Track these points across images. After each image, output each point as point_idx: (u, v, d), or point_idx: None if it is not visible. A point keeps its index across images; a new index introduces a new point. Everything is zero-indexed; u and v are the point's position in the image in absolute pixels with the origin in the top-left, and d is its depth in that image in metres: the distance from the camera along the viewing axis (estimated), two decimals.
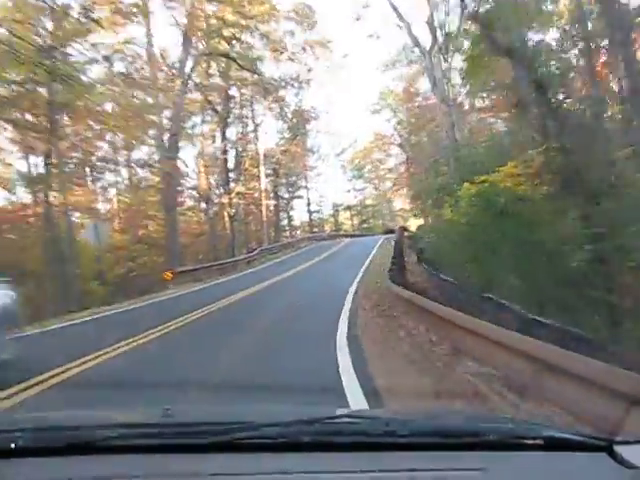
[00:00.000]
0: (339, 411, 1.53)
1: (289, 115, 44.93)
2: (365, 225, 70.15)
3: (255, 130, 37.85)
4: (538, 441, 1.16)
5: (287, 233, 55.89)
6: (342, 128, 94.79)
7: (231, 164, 40.34)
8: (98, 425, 1.27)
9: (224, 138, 34.06)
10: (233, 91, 36.99)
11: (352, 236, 54.45)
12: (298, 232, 60.02)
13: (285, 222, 61.29)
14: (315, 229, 64.56)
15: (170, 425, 1.25)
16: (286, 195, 59.42)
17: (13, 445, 1.13)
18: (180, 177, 25.87)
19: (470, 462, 1.08)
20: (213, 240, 32.51)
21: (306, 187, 62.91)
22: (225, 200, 34.13)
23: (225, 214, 35.05)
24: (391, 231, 66.16)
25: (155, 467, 1.09)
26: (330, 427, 1.22)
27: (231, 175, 37.31)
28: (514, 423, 1.41)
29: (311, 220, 63.24)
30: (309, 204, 63.16)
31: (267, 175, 49.81)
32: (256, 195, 40.80)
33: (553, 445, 1.16)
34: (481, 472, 1.02)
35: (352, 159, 68.94)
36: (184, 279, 18.96)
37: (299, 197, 62.77)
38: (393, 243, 26.31)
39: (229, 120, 35.02)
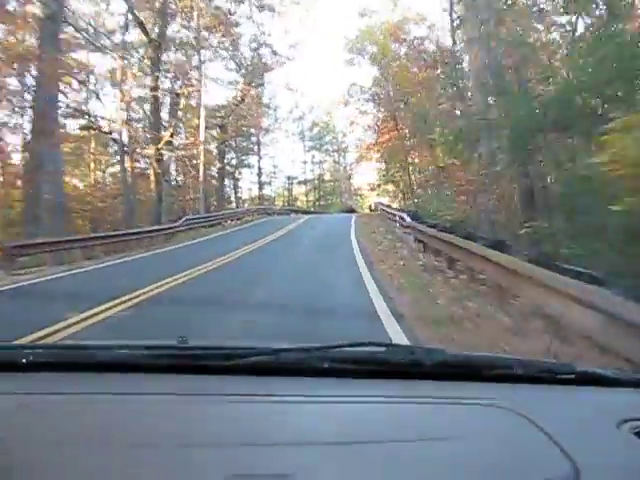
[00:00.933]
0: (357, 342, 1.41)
1: (244, 56, 36.27)
2: (322, 202, 62.43)
3: (199, 67, 29.24)
4: (570, 376, 1.12)
5: (233, 205, 47.55)
6: (306, 87, 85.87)
7: (166, 112, 31.79)
8: (109, 346, 1.23)
9: (156, 70, 25.23)
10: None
11: (308, 212, 46.81)
12: (246, 205, 51.73)
13: (231, 191, 52.83)
14: (265, 202, 56.39)
15: (183, 348, 1.20)
16: (234, 161, 50.88)
17: (24, 360, 1.12)
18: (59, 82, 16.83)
19: (500, 393, 1.04)
20: (130, 203, 23.93)
21: (258, 154, 54.42)
22: (151, 151, 25.47)
23: (152, 171, 26.38)
24: (351, 210, 59.62)
25: (165, 386, 1.04)
26: (351, 354, 1.15)
27: (165, 124, 28.92)
28: (545, 361, 1.36)
29: (261, 192, 54.92)
30: (260, 174, 54.77)
31: (211, 130, 41.25)
32: (195, 152, 32.15)
33: (586, 381, 1.13)
34: (513, 402, 0.97)
35: (312, 126, 60.84)
36: (34, 259, 10.68)
37: (248, 166, 54.27)
38: (380, 230, 19.04)
39: (164, 47, 26.15)
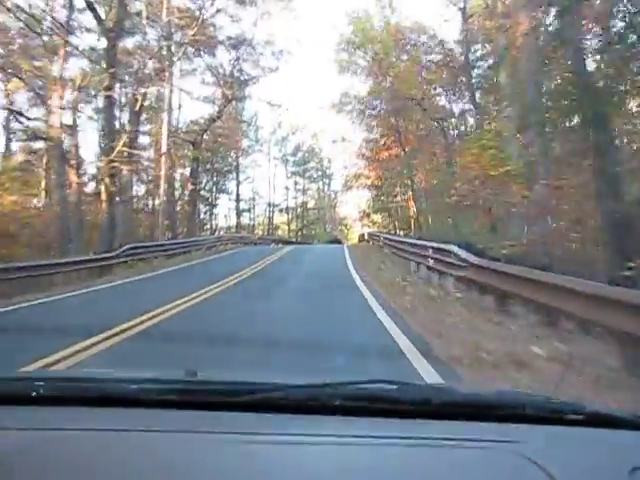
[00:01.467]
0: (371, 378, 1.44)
1: (222, 65, 31.87)
2: (305, 232, 57.64)
3: (166, 65, 24.64)
4: (581, 417, 1.09)
5: (207, 233, 42.62)
6: (290, 105, 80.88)
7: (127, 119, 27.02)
8: (119, 379, 1.27)
9: (110, 65, 20.42)
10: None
11: (290, 243, 42.00)
12: (222, 232, 46.83)
13: (207, 218, 47.90)
14: (243, 231, 51.49)
15: (194, 382, 1.22)
16: (210, 184, 46.08)
17: (34, 393, 1.13)
18: None
19: (507, 434, 1.02)
20: (67, 226, 18.87)
21: (236, 178, 49.69)
22: (101, 164, 20.52)
23: (103, 188, 21.38)
24: (337, 241, 55.01)
25: (175, 423, 1.04)
26: (361, 392, 1.15)
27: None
28: (554, 399, 1.25)
29: (239, 219, 49.99)
30: (238, 199, 49.93)
31: (181, 149, 36.52)
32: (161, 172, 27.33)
33: (598, 422, 1.09)
34: (519, 444, 0.96)
35: (296, 149, 56.46)
36: None
37: (226, 192, 49.47)
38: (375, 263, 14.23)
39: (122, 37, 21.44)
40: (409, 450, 0.96)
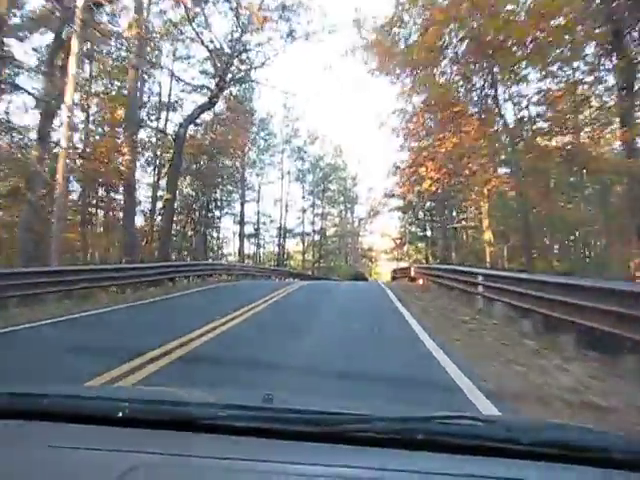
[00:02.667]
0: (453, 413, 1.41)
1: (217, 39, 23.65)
2: (322, 264, 48.43)
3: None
4: None
5: (208, 258, 33.99)
6: (308, 110, 71.49)
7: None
8: (201, 403, 1.28)
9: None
10: None
11: (303, 277, 32.89)
12: (227, 259, 38.10)
13: (211, 242, 39.22)
14: (248, 260, 42.58)
15: (278, 410, 1.19)
16: (209, 203, 37.54)
17: (120, 414, 1.14)
18: None
19: (595, 478, 1.00)
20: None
21: (241, 192, 41.01)
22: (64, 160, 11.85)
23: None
24: (362, 277, 45.74)
25: (258, 451, 1.05)
26: (447, 427, 1.13)
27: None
28: None
29: (242, 244, 41.08)
30: (242, 220, 41.14)
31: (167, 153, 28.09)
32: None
33: None
34: None
35: (316, 162, 47.78)
36: None
37: (232, 214, 40.83)
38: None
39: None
40: None
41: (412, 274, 19.04)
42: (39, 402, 1.21)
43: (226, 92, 26.87)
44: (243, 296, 12.46)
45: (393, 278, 31.08)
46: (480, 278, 9.53)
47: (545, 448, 1.05)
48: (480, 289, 9.48)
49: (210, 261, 29.18)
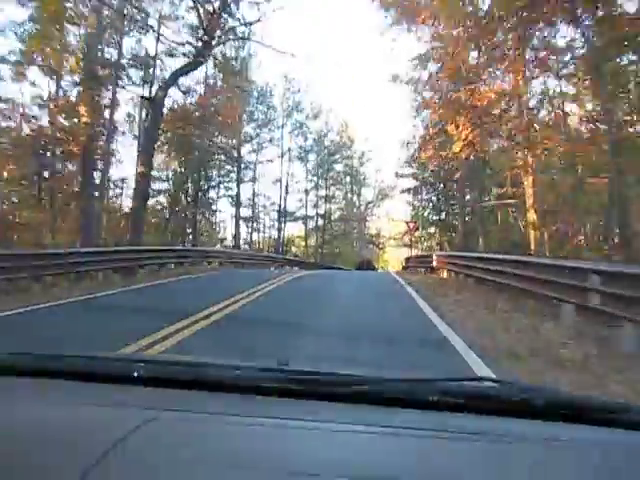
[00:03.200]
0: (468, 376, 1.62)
1: None
2: (326, 250, 44.80)
3: None
4: None
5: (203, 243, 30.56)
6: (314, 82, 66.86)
7: None
8: (218, 365, 1.28)
9: None
10: None
11: (303, 265, 29.45)
12: (218, 246, 34.62)
13: (203, 224, 35.74)
14: (245, 246, 39.08)
15: (291, 372, 1.20)
16: (199, 182, 33.97)
17: (135, 374, 1.16)
18: None
19: (609, 439, 1.00)
20: None
21: (237, 171, 37.37)
22: None
23: None
24: (369, 265, 42.21)
25: (271, 410, 1.04)
26: (461, 387, 1.15)
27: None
28: None
29: (237, 227, 37.46)
30: (238, 201, 37.54)
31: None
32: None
33: None
34: (623, 449, 0.95)
35: (320, 140, 43.95)
36: None
37: (225, 194, 37.25)
38: None
39: None
40: (505, 447, 0.95)
41: (434, 264, 15.36)
42: (59, 362, 1.26)
43: (216, 52, 23.18)
44: (186, 301, 8.85)
45: (404, 267, 27.54)
46: (595, 280, 5.81)
47: (559, 409, 1.06)
48: (596, 300, 5.75)
49: (189, 246, 25.62)
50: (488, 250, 17.94)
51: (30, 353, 1.29)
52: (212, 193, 37.34)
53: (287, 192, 41.28)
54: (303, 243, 45.03)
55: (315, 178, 44.89)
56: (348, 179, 52.45)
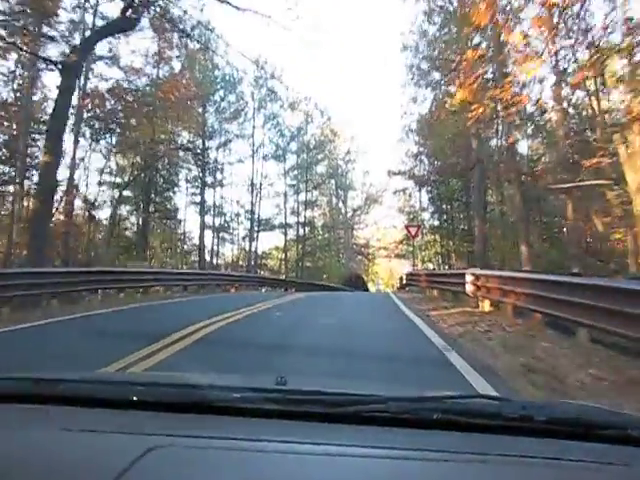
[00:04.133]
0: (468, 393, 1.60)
1: None
2: (308, 263, 38.96)
3: None
4: None
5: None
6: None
7: None
8: (214, 385, 1.26)
9: None
10: None
11: (280, 283, 23.82)
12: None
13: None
14: (220, 261, 33.13)
15: (292, 392, 1.19)
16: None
17: (134, 397, 1.16)
18: None
19: (613, 456, 0.97)
20: None
21: (201, 173, 31.62)
22: None
23: None
24: (358, 281, 36.80)
25: (274, 432, 1.04)
26: (462, 406, 1.14)
27: None
28: None
29: (202, 239, 31.46)
30: (202, 209, 31.65)
31: None
32: None
33: None
34: (626, 468, 0.94)
35: (299, 133, 38.22)
36: None
37: (199, 203, 31.49)
38: None
39: None
40: (507, 467, 0.94)
41: (469, 288, 9.62)
42: (55, 387, 1.24)
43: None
44: None
45: (403, 286, 21.93)
46: None
47: (561, 426, 1.06)
48: None
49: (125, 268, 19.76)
50: (533, 266, 12.42)
51: (29, 378, 1.27)
52: (180, 200, 31.65)
53: (260, 196, 35.45)
54: (282, 255, 39.21)
55: (295, 182, 39.23)
56: (332, 183, 47.03)
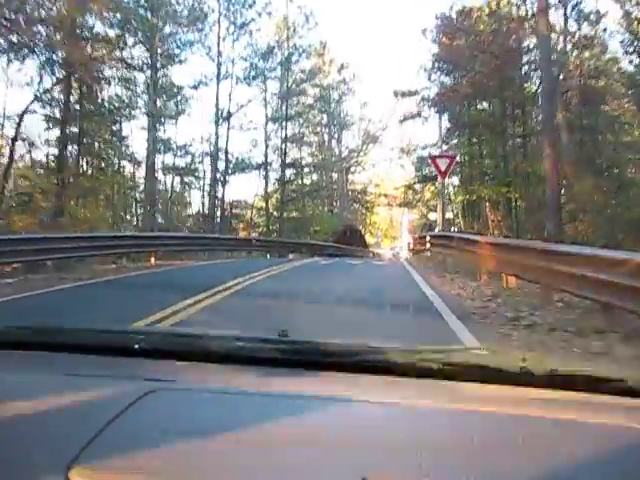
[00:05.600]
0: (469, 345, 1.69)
1: None
2: (287, 213, 31.66)
3: None
4: None
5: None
6: None
7: None
8: (217, 336, 1.30)
9: None
10: None
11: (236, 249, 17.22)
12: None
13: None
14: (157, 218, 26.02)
15: (291, 342, 1.19)
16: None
17: (137, 346, 1.16)
18: None
19: (613, 408, 0.98)
20: None
21: (151, 92, 24.05)
22: None
23: None
24: (353, 235, 30.15)
25: (274, 380, 1.06)
26: (461, 357, 1.16)
27: None
28: None
29: (153, 185, 24.10)
30: (153, 146, 24.14)
31: None
32: None
33: None
34: (626, 418, 0.92)
35: (280, 45, 30.26)
36: None
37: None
38: None
39: None
40: (504, 417, 0.94)
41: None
42: (59, 335, 1.27)
43: None
44: None
45: (416, 249, 15.06)
46: None
47: (561, 378, 1.06)
48: None
49: None
50: None
51: (30, 327, 1.29)
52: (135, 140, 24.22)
53: (228, 124, 27.81)
54: (264, 204, 32.01)
55: (277, 113, 31.64)
56: (324, 118, 39.47)
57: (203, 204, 28.18)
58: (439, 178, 13.17)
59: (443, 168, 12.54)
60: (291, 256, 20.38)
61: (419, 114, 20.78)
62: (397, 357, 1.11)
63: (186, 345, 1.21)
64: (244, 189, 43.79)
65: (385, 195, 43.66)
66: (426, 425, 0.90)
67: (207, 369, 1.10)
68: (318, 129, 39.07)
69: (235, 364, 1.11)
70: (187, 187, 29.49)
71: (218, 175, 26.99)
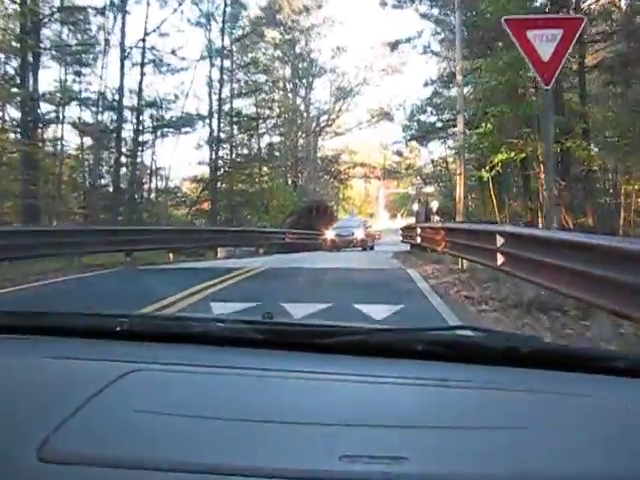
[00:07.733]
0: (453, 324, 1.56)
1: None
2: (241, 184, 24.64)
3: None
4: None
5: None
6: None
7: None
8: (199, 318, 1.33)
9: None
10: None
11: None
12: None
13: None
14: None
15: (274, 323, 1.21)
16: None
17: (118, 328, 1.16)
18: None
19: (598, 386, 1.00)
20: None
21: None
22: None
23: None
24: (320, 212, 23.74)
25: (255, 361, 1.04)
26: (446, 337, 1.15)
27: None
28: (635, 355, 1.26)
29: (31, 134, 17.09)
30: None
31: None
32: None
33: None
34: (612, 396, 0.95)
35: None
36: None
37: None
38: None
39: None
40: (491, 397, 0.97)
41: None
42: (37, 319, 1.26)
43: None
44: None
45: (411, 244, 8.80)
46: None
47: (546, 357, 1.08)
48: None
49: None
50: None
51: (9, 311, 1.30)
52: None
53: (142, 63, 20.61)
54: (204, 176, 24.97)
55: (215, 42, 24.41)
56: (287, 71, 32.41)
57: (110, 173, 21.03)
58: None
59: (547, 57, 5.52)
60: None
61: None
62: (381, 337, 1.12)
63: (167, 327, 1.21)
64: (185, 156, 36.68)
65: (362, 165, 36.96)
66: (412, 404, 0.90)
67: (188, 350, 1.09)
68: (280, 84, 32.09)
69: (216, 345, 1.10)
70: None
71: (125, 134, 19.93)
